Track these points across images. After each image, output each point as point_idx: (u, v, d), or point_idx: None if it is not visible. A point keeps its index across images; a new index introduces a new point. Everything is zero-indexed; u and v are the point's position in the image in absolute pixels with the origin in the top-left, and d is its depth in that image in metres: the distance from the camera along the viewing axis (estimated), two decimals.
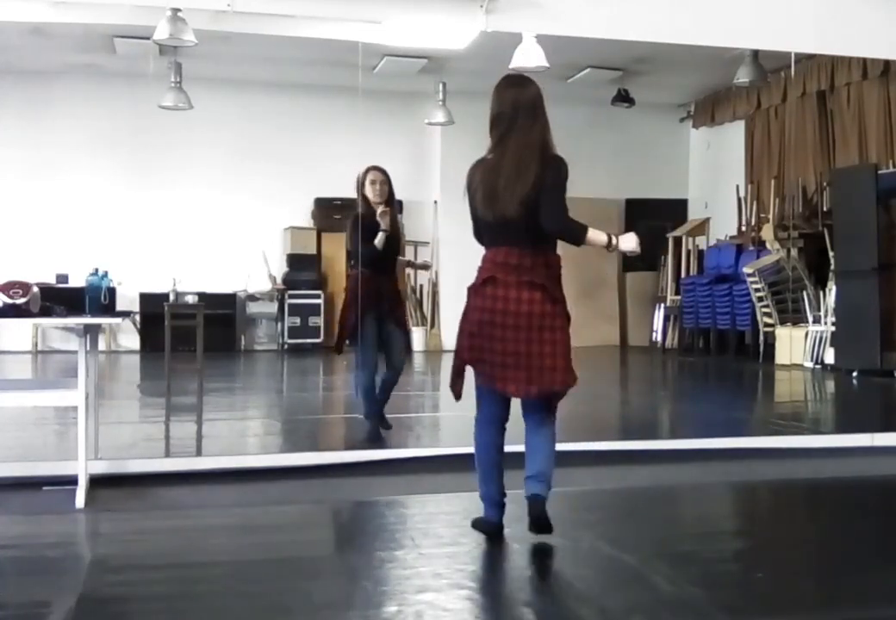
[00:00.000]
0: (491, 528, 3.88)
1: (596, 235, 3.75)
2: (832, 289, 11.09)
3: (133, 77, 11.86)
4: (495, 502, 3.90)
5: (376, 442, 6.05)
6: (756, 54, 9.89)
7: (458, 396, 3.90)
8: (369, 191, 6.29)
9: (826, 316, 11.13)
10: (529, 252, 3.74)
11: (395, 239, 6.30)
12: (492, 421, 3.91)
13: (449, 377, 3.92)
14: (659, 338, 14.49)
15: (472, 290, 3.81)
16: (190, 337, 8.63)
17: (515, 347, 3.73)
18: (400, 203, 13.72)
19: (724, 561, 3.76)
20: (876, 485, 5.22)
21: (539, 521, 3.74)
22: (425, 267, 7.23)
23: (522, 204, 3.71)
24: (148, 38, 7.73)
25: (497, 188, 3.72)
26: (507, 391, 3.80)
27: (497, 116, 3.81)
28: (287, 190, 13.82)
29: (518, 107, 3.78)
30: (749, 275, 12.04)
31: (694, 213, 15.13)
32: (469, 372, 3.88)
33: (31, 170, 13.17)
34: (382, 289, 6.19)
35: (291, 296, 13.49)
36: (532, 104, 3.81)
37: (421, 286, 14.24)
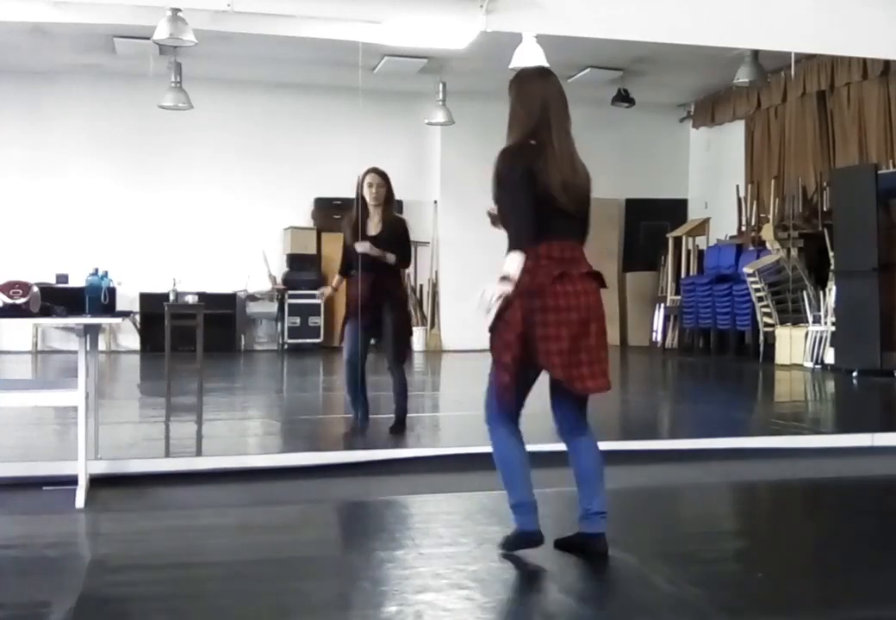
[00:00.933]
0: (536, 538, 3.61)
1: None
2: (832, 289, 11.09)
3: (133, 77, 11.88)
4: (533, 505, 3.62)
5: (357, 436, 6.16)
6: (756, 54, 9.90)
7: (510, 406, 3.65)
8: (367, 194, 6.32)
9: (826, 316, 11.13)
10: (581, 245, 3.69)
11: (390, 241, 6.30)
12: (514, 417, 3.70)
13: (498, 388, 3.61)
14: (659, 338, 14.49)
15: (540, 290, 3.52)
16: (190, 337, 8.62)
17: (597, 341, 3.63)
18: (400, 203, 13.81)
19: (724, 561, 3.76)
20: (876, 485, 5.22)
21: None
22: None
23: (587, 200, 3.69)
24: (148, 38, 7.74)
25: (572, 178, 3.60)
26: (587, 387, 3.60)
27: (538, 104, 3.66)
28: (287, 190, 13.83)
29: (553, 99, 3.71)
30: (749, 275, 12.04)
31: (694, 213, 15.13)
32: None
33: (30, 170, 13.17)
34: (375, 291, 6.22)
35: (291, 296, 13.50)
36: (564, 98, 3.74)
37: (421, 286, 14.24)
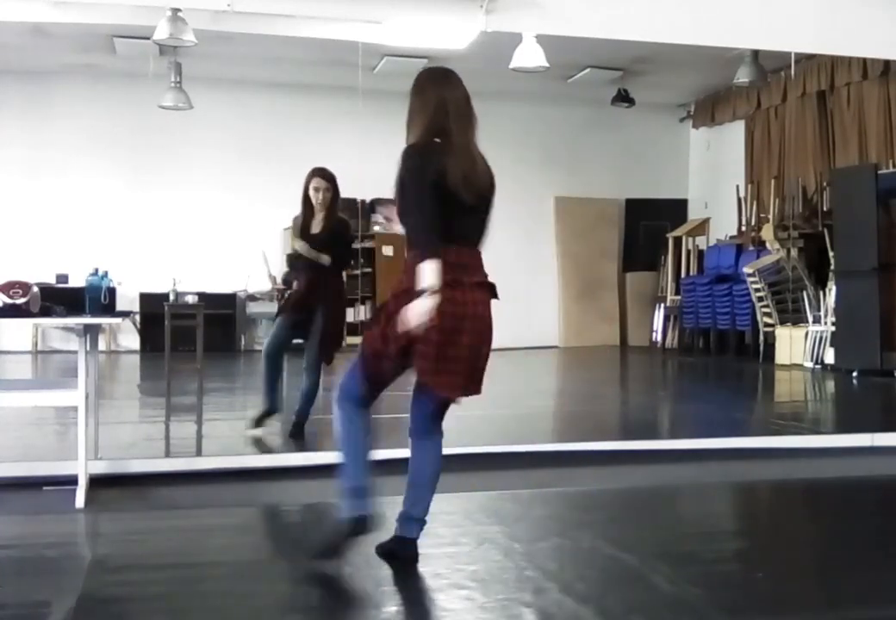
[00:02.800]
0: (371, 524, 3.51)
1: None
2: (832, 289, 11.09)
3: (133, 77, 11.89)
4: (367, 490, 3.55)
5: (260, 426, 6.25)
6: (756, 54, 9.90)
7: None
8: (312, 197, 6.34)
9: (826, 316, 11.13)
10: (477, 251, 3.59)
11: (329, 241, 6.30)
12: (367, 403, 3.61)
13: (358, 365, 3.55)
14: (659, 338, 14.49)
15: (399, 295, 3.45)
16: (190, 337, 8.63)
17: (472, 352, 3.51)
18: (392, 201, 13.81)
19: (724, 561, 3.76)
20: (876, 485, 5.22)
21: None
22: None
23: (489, 199, 3.58)
24: (148, 38, 7.74)
25: (472, 171, 3.50)
26: (450, 394, 3.52)
27: (434, 104, 3.57)
28: (287, 190, 13.75)
29: (452, 100, 3.58)
30: (749, 275, 12.04)
31: (694, 213, 15.14)
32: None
33: (30, 170, 13.17)
34: (309, 290, 6.30)
35: None
36: (465, 99, 3.62)
37: None
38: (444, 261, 3.37)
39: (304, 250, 6.27)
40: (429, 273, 3.30)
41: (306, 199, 6.39)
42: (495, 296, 3.59)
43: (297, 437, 6.32)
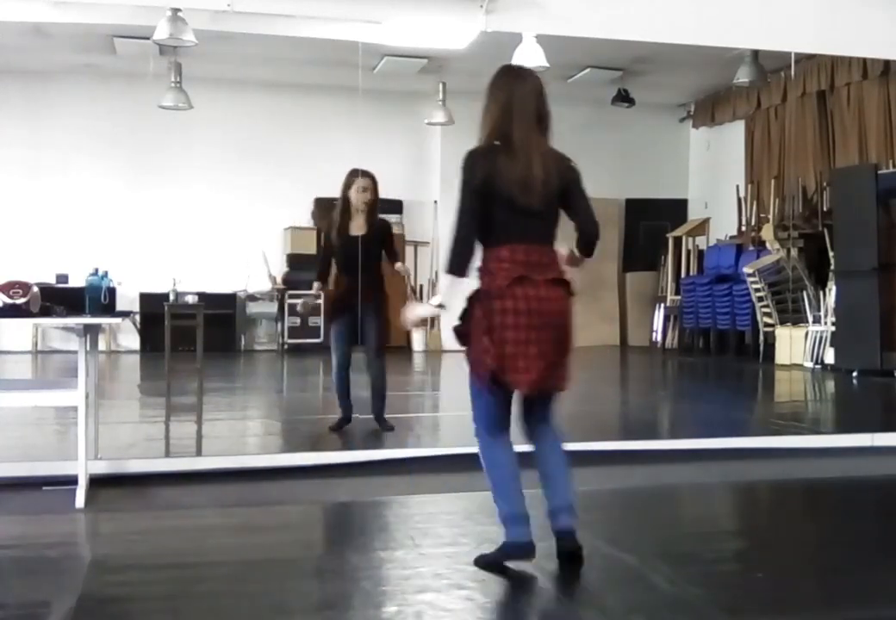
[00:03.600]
0: (529, 550, 3.47)
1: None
2: (832, 289, 11.09)
3: (133, 77, 11.88)
4: (525, 517, 3.52)
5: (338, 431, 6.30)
6: (756, 54, 9.90)
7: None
8: (355, 197, 6.33)
9: (826, 316, 11.13)
10: (549, 249, 3.65)
11: (376, 241, 6.32)
12: (506, 427, 3.64)
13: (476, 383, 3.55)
14: (659, 338, 14.49)
15: (495, 292, 3.48)
16: (190, 337, 8.61)
17: (554, 347, 3.58)
18: (400, 203, 13.85)
19: (724, 561, 3.76)
20: (876, 485, 5.22)
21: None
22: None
23: (554, 198, 3.62)
24: (148, 38, 7.74)
25: (534, 174, 3.54)
26: (532, 388, 3.56)
27: (504, 101, 3.61)
28: (287, 190, 13.83)
29: (520, 96, 3.62)
30: (749, 275, 12.04)
31: (694, 213, 15.13)
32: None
33: (30, 170, 13.18)
34: (355, 291, 6.25)
35: (291, 296, 13.50)
36: (537, 94, 3.65)
37: (421, 286, 14.24)
38: (514, 259, 3.47)
39: (403, 271, 6.53)
40: (443, 288, 3.41)
41: (345, 201, 6.38)
42: (572, 292, 3.64)
43: (386, 429, 6.38)
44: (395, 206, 13.77)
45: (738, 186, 13.81)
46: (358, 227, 6.36)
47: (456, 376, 10.90)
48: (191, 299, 10.62)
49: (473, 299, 3.50)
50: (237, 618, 3.13)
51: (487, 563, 3.49)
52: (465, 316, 3.53)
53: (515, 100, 3.60)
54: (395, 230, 14.39)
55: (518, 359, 3.45)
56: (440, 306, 3.48)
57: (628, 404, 9.16)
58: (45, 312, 4.59)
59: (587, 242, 3.74)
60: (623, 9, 5.92)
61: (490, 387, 3.49)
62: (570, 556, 3.49)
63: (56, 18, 6.15)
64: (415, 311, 3.51)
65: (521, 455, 3.69)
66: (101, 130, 13.26)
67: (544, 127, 3.65)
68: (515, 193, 3.48)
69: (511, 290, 3.46)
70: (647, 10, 5.96)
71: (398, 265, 6.47)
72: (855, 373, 10.26)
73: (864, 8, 6.22)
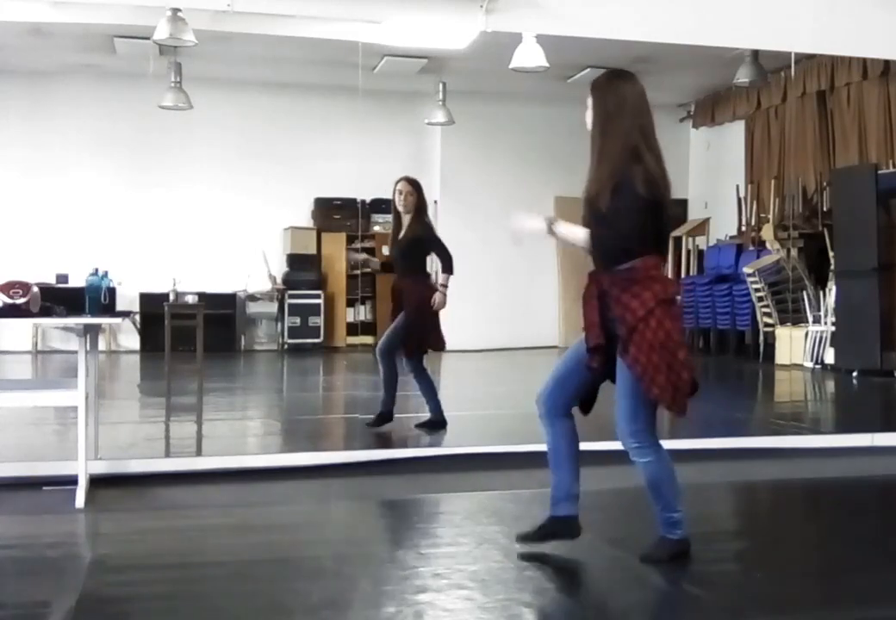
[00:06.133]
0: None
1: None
2: (832, 289, 11.09)
3: (133, 77, 11.88)
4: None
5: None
6: (756, 54, 9.89)
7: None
8: (396, 200, 6.51)
9: (826, 316, 11.13)
10: None
11: (409, 247, 6.45)
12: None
13: (677, 396, 3.61)
14: None
15: (673, 299, 3.58)
16: (190, 337, 8.62)
17: None
18: None
19: (724, 561, 3.76)
20: (876, 485, 5.22)
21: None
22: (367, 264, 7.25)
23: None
24: (148, 38, 7.73)
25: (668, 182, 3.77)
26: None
27: (640, 111, 3.77)
28: (287, 190, 13.83)
29: (646, 105, 3.83)
30: (749, 275, 12.04)
31: (694, 213, 15.13)
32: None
33: (30, 170, 13.16)
34: (394, 293, 6.51)
35: (291, 296, 13.50)
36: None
37: None
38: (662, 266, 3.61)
39: (358, 257, 6.49)
40: (572, 232, 3.65)
41: (395, 210, 6.58)
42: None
43: (436, 427, 6.40)
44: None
45: (738, 186, 13.80)
46: (402, 233, 6.55)
47: (456, 376, 10.93)
48: (191, 299, 10.62)
49: (654, 307, 3.47)
50: (237, 618, 3.13)
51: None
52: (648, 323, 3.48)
53: (644, 105, 3.90)
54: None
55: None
56: (551, 224, 3.60)
57: None
58: (45, 312, 4.59)
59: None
60: (623, 9, 5.92)
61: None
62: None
63: (56, 18, 6.15)
64: (524, 223, 3.62)
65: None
66: (101, 130, 13.25)
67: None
68: (666, 197, 3.78)
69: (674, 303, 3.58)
70: (647, 10, 5.96)
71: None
72: (855, 373, 10.26)
73: (864, 8, 6.22)
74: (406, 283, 6.46)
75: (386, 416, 6.43)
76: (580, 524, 3.65)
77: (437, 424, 6.38)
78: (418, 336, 6.37)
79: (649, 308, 3.45)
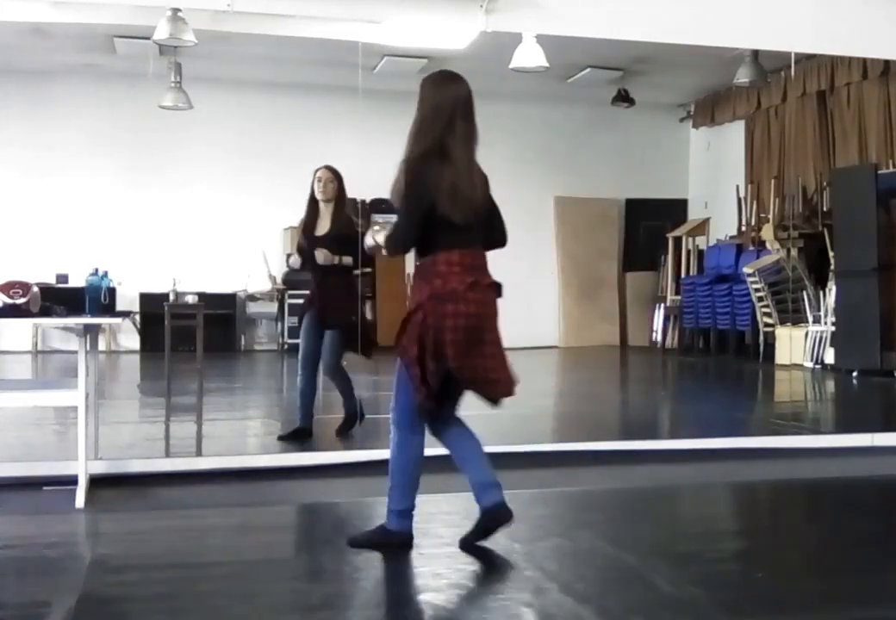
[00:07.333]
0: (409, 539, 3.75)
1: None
2: (832, 289, 11.08)
3: (133, 77, 11.87)
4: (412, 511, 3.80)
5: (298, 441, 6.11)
6: (756, 54, 9.89)
7: (431, 412, 3.72)
8: (315, 188, 6.29)
9: (826, 316, 11.12)
10: (484, 254, 3.78)
11: (336, 241, 6.14)
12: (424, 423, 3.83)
13: (420, 392, 3.64)
14: (659, 338, 14.49)
15: (453, 295, 3.59)
16: (190, 337, 8.62)
17: (495, 349, 3.74)
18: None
19: (724, 561, 3.76)
20: (876, 485, 5.22)
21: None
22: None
23: (484, 208, 3.74)
24: (148, 38, 7.73)
25: (469, 189, 3.64)
26: (497, 392, 3.78)
27: (437, 113, 3.65)
28: (287, 190, 13.75)
29: (461, 105, 3.67)
30: (749, 275, 12.04)
31: (694, 213, 15.13)
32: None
33: (30, 170, 13.16)
34: (321, 291, 6.17)
35: (291, 296, 13.49)
36: (471, 103, 3.70)
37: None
38: (461, 263, 3.60)
39: (324, 260, 6.10)
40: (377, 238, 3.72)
41: (312, 198, 6.32)
42: (500, 295, 3.76)
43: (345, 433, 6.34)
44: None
45: (738, 186, 13.80)
46: (322, 226, 6.28)
47: None
48: (191, 299, 10.61)
49: (423, 302, 3.60)
50: (237, 618, 3.13)
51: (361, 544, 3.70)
52: (409, 318, 3.65)
53: (458, 109, 3.67)
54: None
55: (465, 358, 3.66)
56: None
57: (628, 404, 9.16)
58: (45, 312, 4.59)
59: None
60: (623, 9, 5.92)
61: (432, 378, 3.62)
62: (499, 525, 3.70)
63: (56, 18, 6.15)
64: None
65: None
66: (101, 130, 13.25)
67: (473, 138, 3.72)
68: (450, 211, 3.61)
69: (465, 294, 3.60)
70: (647, 10, 5.96)
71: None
72: (855, 373, 10.26)
73: (864, 8, 6.22)
74: (337, 281, 6.15)
75: (352, 419, 6.40)
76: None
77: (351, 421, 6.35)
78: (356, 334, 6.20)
79: (420, 302, 3.59)
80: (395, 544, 3.69)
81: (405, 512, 3.73)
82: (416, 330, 3.59)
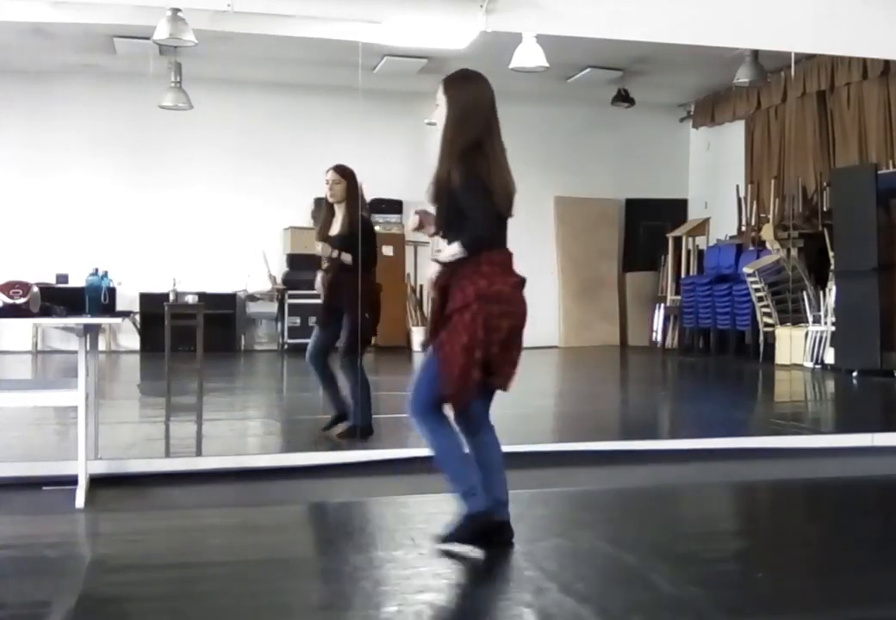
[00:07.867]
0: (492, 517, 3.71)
1: None
2: (832, 289, 11.09)
3: (133, 77, 11.86)
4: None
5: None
6: (756, 54, 9.89)
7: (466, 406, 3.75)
8: (326, 190, 6.34)
9: (826, 316, 11.13)
10: None
11: (348, 241, 6.16)
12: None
13: (456, 389, 3.66)
14: (659, 338, 14.49)
15: (499, 297, 3.66)
16: (190, 337, 8.62)
17: (519, 347, 3.82)
18: (400, 203, 13.87)
19: (724, 561, 3.76)
20: (876, 485, 5.22)
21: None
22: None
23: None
24: (148, 38, 7.73)
25: (511, 184, 3.82)
26: (507, 383, 3.83)
27: (476, 111, 3.79)
28: (287, 190, 13.81)
29: (493, 104, 3.85)
30: (749, 275, 12.04)
31: (694, 213, 15.13)
32: None
33: (30, 170, 13.16)
34: (332, 291, 6.23)
35: (291, 296, 13.49)
36: (494, 103, 3.85)
37: (421, 286, 14.23)
38: (501, 262, 3.74)
39: (322, 251, 6.21)
40: (452, 251, 3.70)
41: (326, 200, 6.40)
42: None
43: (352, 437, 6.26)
44: (396, 206, 13.80)
45: (738, 186, 13.80)
46: (336, 226, 6.32)
47: None
48: (191, 299, 10.61)
49: (470, 302, 3.62)
50: (237, 618, 3.13)
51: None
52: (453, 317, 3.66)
53: (492, 106, 3.87)
54: (396, 230, 14.25)
55: (502, 355, 3.73)
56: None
57: (628, 404, 9.16)
58: (45, 312, 4.59)
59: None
60: (623, 9, 5.92)
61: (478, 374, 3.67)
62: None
63: (56, 18, 6.15)
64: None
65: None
66: (101, 130, 13.24)
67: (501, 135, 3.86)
68: (500, 202, 3.79)
69: (512, 295, 3.70)
70: (647, 10, 5.96)
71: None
72: (855, 373, 10.26)
73: (864, 8, 6.22)
74: (348, 281, 6.11)
75: (340, 418, 6.38)
76: None
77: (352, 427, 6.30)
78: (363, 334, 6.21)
79: (467, 303, 3.62)
80: (483, 526, 3.64)
81: (469, 492, 3.67)
82: (465, 329, 3.61)
